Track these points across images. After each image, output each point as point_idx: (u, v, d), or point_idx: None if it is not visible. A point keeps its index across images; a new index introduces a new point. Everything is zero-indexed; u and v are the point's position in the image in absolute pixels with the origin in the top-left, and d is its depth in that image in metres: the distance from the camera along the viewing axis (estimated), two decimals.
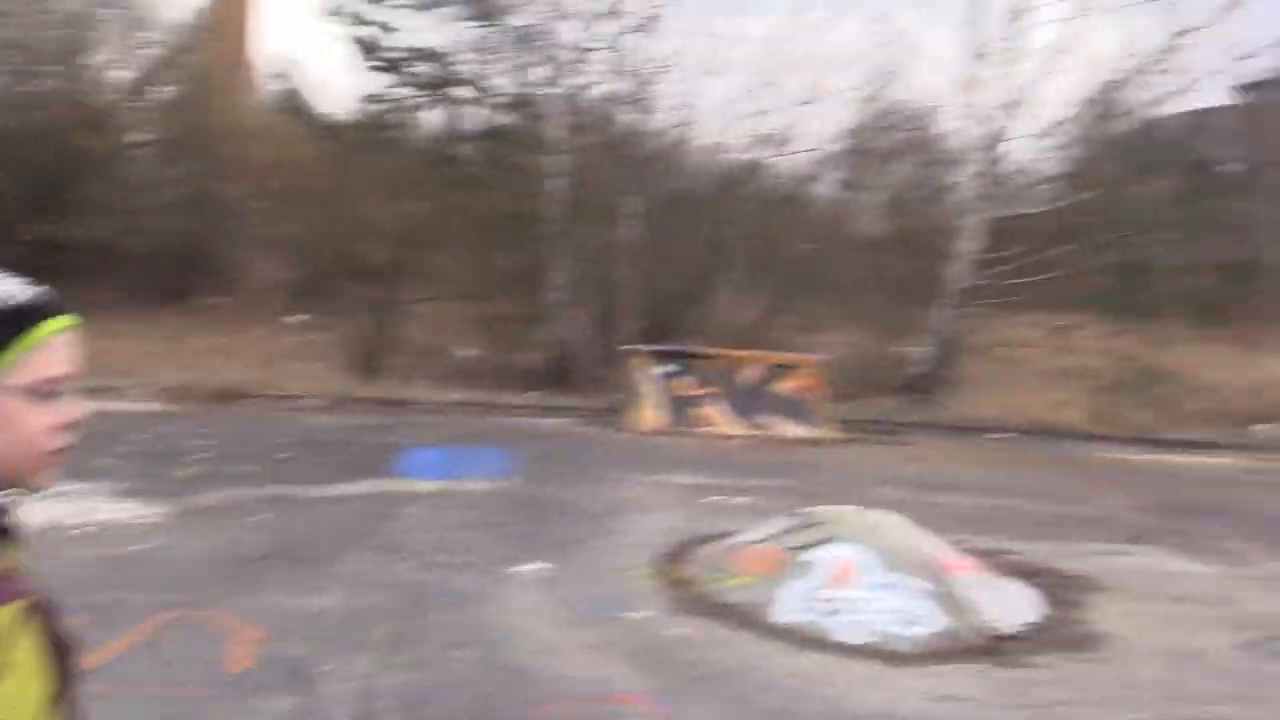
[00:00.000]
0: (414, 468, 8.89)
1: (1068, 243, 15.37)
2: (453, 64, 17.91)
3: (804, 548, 5.81)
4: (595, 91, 16.53)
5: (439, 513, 7.39)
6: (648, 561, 6.35)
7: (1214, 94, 31.22)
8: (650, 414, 12.24)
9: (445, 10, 17.48)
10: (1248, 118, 29.47)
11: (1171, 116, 28.42)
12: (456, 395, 13.51)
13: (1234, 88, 31.16)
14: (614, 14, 15.62)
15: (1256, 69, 30.09)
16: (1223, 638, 5.44)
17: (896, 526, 5.99)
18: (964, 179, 14.66)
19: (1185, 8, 19.39)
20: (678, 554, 6.52)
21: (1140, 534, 7.94)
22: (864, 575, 5.48)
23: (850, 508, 6.38)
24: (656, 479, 8.99)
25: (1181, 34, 18.20)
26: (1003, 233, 16.16)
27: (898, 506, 8.21)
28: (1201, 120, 29.65)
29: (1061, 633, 5.47)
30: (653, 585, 5.93)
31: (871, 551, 5.56)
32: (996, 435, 13.27)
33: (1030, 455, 12.05)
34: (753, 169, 17.88)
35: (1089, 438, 13.66)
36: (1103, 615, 5.68)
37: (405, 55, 17.90)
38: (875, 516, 6.06)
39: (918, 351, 14.83)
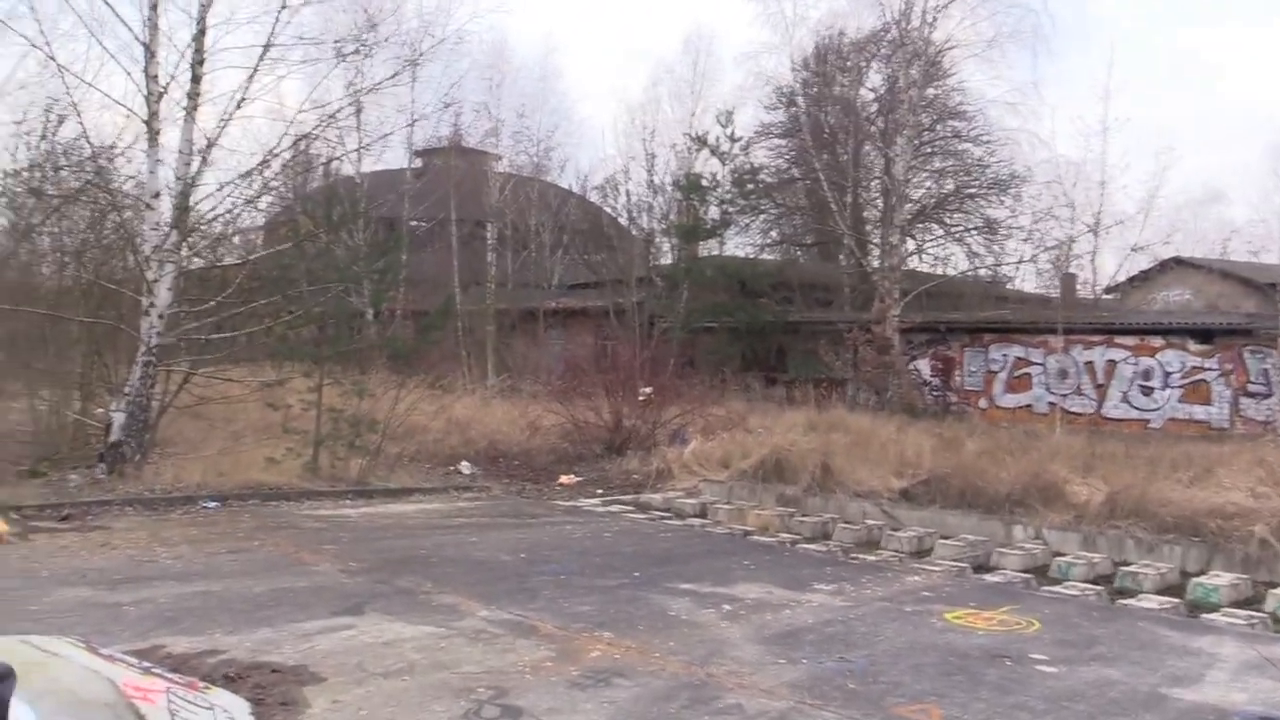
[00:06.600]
0: None
1: (268, 295, 14.94)
2: None
3: None
4: None
5: None
6: None
7: (398, 157, 33.94)
8: None
9: None
10: (424, 180, 32.54)
11: (362, 175, 30.14)
12: None
13: (413, 152, 34.22)
14: None
15: (429, 136, 33.37)
16: (443, 710, 5.26)
17: (68, 656, 4.78)
18: (151, 228, 13.44)
19: (366, 69, 20.46)
20: None
21: (359, 602, 7.66)
22: None
23: (8, 639, 4.99)
24: None
25: (362, 92, 19.09)
26: (202, 285, 15.17)
27: (81, 613, 6.93)
28: (389, 180, 31.88)
29: None
30: None
31: (26, 702, 4.31)
32: (206, 504, 12.27)
33: (243, 523, 11.26)
34: None
35: (304, 495, 13.36)
36: (320, 712, 5.16)
37: None
38: (38, 649, 4.75)
39: (111, 416, 13.18)
